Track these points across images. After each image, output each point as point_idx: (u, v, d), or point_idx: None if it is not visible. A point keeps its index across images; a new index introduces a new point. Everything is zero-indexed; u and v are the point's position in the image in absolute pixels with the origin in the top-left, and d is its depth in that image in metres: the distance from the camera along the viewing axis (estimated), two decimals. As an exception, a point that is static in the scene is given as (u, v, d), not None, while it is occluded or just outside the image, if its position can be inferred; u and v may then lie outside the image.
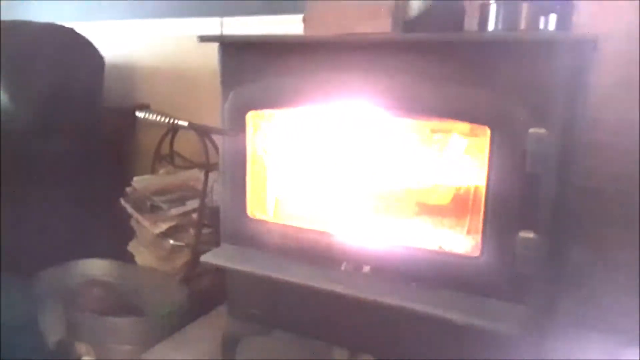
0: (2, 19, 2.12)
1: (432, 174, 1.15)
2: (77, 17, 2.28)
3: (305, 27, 1.72)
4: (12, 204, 1.73)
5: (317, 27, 1.68)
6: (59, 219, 1.82)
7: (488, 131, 0.96)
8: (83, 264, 1.78)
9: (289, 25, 1.82)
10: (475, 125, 0.99)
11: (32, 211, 1.77)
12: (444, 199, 1.13)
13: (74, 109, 1.85)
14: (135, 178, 1.87)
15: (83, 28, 2.07)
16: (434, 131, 1.12)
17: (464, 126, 1.06)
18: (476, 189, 1.07)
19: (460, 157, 1.10)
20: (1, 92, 1.79)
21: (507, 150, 0.95)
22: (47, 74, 1.81)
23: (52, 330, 1.51)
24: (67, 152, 1.85)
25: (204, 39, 1.21)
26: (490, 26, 1.18)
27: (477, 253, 1.00)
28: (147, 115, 1.15)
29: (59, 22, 2.06)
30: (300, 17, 1.74)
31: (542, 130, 0.91)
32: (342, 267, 1.11)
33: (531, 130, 0.91)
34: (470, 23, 1.25)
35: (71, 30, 1.93)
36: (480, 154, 1.03)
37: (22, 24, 1.98)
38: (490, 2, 1.17)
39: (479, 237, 1.00)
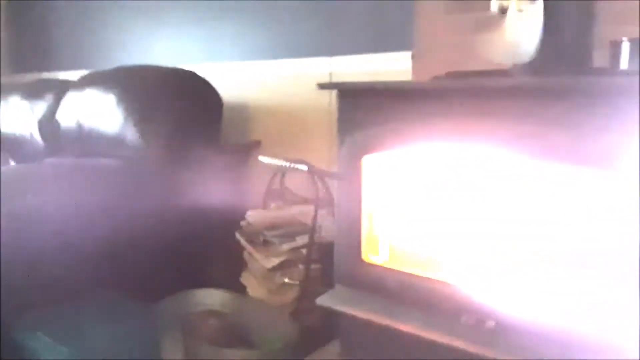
0: (134, 63, 2.34)
1: (564, 224, 1.08)
2: (198, 59, 2.46)
3: (414, 65, 1.71)
4: (136, 235, 1.86)
5: (427, 64, 1.67)
6: (178, 248, 1.93)
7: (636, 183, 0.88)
8: (200, 293, 1.86)
9: (397, 62, 1.83)
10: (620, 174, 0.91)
11: (152, 239, 1.90)
12: (576, 251, 1.05)
13: (195, 146, 1.98)
14: (249, 212, 1.95)
15: (203, 69, 2.23)
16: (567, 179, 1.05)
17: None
18: (622, 238, 0.97)
19: (598, 205, 1.02)
20: (132, 130, 1.97)
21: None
22: (172, 114, 1.96)
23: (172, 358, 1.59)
24: (188, 187, 1.98)
25: (322, 86, 1.25)
26: (623, 64, 1.11)
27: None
28: (269, 160, 1.20)
29: (182, 64, 2.25)
30: (408, 54, 1.74)
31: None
32: (462, 320, 1.07)
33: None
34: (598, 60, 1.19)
35: (193, 74, 2.08)
36: (622, 204, 0.94)
37: (150, 68, 2.17)
38: (623, 39, 1.10)
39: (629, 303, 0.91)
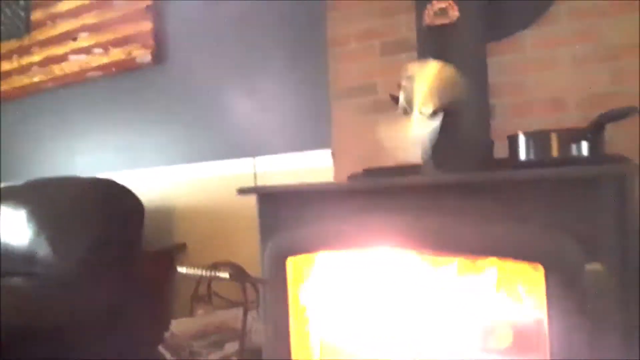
0: (49, 175, 2.26)
1: (487, 315, 1.10)
2: (119, 166, 2.43)
3: (334, 161, 1.77)
4: (53, 353, 1.69)
5: (346, 161, 1.73)
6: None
7: (541, 268, 0.92)
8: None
9: (317, 159, 1.88)
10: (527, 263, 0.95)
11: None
12: (504, 341, 1.07)
13: (115, 256, 1.89)
14: (173, 322, 1.84)
15: (124, 177, 2.18)
16: (484, 270, 1.09)
17: (516, 264, 1.03)
18: (538, 327, 1.01)
19: (516, 295, 1.05)
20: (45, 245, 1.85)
21: (565, 287, 0.90)
22: (90, 226, 1.87)
23: None
24: (108, 299, 1.85)
25: (242, 191, 1.24)
26: (521, 156, 1.19)
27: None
28: (188, 270, 1.16)
29: (102, 173, 2.19)
30: (328, 151, 1.80)
31: (598, 266, 0.87)
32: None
33: (588, 266, 0.88)
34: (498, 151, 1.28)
35: (111, 182, 2.02)
36: (536, 291, 0.98)
37: (64, 180, 2.10)
38: (519, 133, 1.20)
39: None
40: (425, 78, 1.10)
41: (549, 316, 0.92)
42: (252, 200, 1.33)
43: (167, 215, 2.27)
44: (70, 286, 1.77)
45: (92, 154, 2.57)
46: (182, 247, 2.18)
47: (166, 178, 2.30)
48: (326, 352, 1.25)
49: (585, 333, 0.89)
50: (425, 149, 1.22)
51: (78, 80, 2.58)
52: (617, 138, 1.15)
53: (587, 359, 0.88)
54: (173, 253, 2.15)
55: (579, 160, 1.08)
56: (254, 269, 1.90)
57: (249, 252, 1.95)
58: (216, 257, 2.00)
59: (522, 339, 1.07)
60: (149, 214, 2.09)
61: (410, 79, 1.14)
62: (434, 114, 1.10)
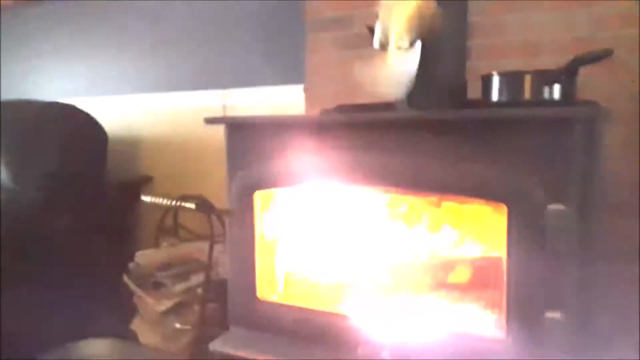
0: (7, 98, 2.15)
1: (448, 251, 1.12)
2: (82, 93, 2.32)
3: (306, 97, 1.73)
4: (13, 284, 1.68)
5: (318, 97, 1.70)
6: (61, 298, 1.77)
7: (505, 208, 0.93)
8: (85, 345, 1.70)
9: (290, 94, 1.84)
10: (491, 202, 0.97)
11: (32, 291, 1.73)
12: (463, 276, 1.10)
13: (77, 185, 1.84)
14: (138, 253, 1.83)
15: (88, 104, 2.10)
16: (447, 209, 1.10)
17: (480, 203, 1.04)
18: (497, 265, 1.04)
19: (477, 233, 1.07)
20: (3, 172, 1.79)
21: (526, 227, 0.92)
22: (50, 153, 1.81)
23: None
24: (70, 229, 1.82)
25: (209, 121, 1.21)
26: (494, 96, 1.18)
27: (502, 335, 0.95)
28: (153, 198, 1.13)
29: (63, 98, 2.10)
30: (300, 87, 1.76)
31: (560, 207, 0.89)
32: (359, 352, 1.06)
33: (550, 206, 0.89)
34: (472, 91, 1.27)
35: (73, 107, 1.94)
36: (498, 230, 1.00)
37: (25, 104, 2.00)
38: (493, 73, 1.18)
39: (503, 318, 0.95)
40: (403, 10, 1.06)
41: (508, 254, 0.94)
42: (220, 133, 1.30)
43: (132, 147, 2.21)
44: (29, 213, 1.73)
45: (54, 78, 2.45)
46: (148, 179, 2.14)
47: (132, 107, 2.22)
48: (290, 284, 1.26)
49: (543, 270, 0.92)
50: (402, 86, 1.20)
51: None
52: (591, 86, 1.15)
53: (543, 295, 0.92)
54: (138, 185, 2.11)
55: (551, 102, 1.08)
56: (222, 204, 1.90)
57: (217, 186, 1.94)
58: (183, 191, 1.97)
59: (480, 276, 1.10)
60: (113, 145, 2.03)
61: (388, 10, 1.09)
62: (411, 46, 1.06)
